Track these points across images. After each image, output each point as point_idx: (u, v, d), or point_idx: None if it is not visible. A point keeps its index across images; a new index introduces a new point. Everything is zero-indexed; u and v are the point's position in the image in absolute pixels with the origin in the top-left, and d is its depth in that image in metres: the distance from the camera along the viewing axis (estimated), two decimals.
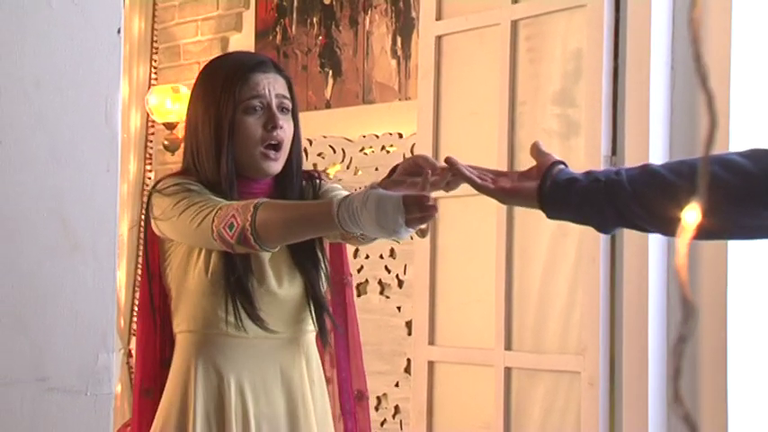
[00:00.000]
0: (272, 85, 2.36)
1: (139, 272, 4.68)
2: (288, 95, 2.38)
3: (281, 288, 2.37)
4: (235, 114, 2.33)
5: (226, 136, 2.32)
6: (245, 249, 2.18)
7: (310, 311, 2.41)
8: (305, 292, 2.40)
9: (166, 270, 2.40)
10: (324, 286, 2.44)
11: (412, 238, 2.58)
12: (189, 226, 2.23)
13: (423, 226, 2.05)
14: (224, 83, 2.34)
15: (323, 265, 2.44)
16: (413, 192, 2.04)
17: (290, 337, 2.40)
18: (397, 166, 2.19)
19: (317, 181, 2.48)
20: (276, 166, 2.37)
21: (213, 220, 2.18)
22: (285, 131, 2.36)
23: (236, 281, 2.32)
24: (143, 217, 2.34)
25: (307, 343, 2.44)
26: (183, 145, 2.55)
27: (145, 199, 4.05)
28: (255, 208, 2.14)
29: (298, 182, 2.43)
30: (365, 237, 2.24)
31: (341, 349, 2.55)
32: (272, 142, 2.34)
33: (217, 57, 2.55)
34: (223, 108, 2.33)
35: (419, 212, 1.96)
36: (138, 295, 4.04)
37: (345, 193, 2.27)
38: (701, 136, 2.94)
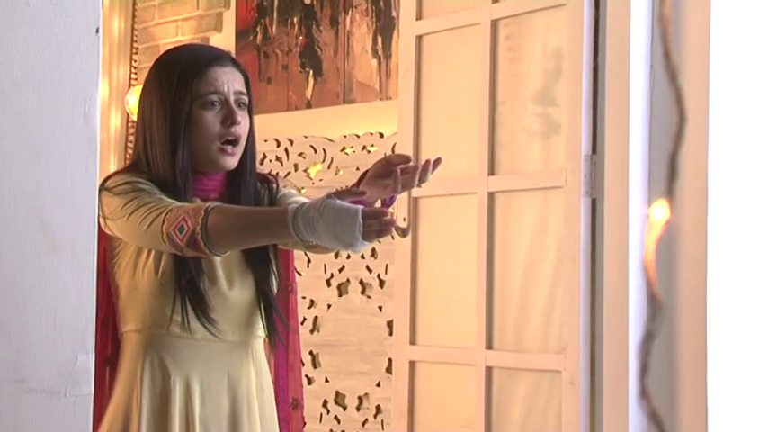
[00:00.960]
0: (230, 81, 2.32)
1: None
2: (245, 91, 2.35)
3: (232, 291, 2.34)
4: (192, 109, 2.29)
5: (182, 130, 2.28)
6: (194, 253, 2.15)
7: (260, 313, 2.37)
8: (255, 296, 2.37)
9: (114, 268, 2.35)
10: (275, 289, 2.40)
11: (393, 238, 2.58)
12: (138, 227, 2.19)
13: (404, 225, 2.05)
14: (180, 76, 2.31)
15: (274, 269, 2.41)
16: (384, 194, 2.04)
17: (239, 341, 2.36)
18: (367, 171, 2.19)
19: (274, 186, 2.44)
20: (233, 161, 2.33)
21: (163, 223, 2.14)
22: (242, 127, 2.33)
23: (187, 282, 2.28)
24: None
25: (256, 349, 2.40)
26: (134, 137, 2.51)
27: None
28: (207, 212, 2.10)
29: (252, 179, 2.40)
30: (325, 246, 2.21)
31: (280, 356, 2.52)
32: (230, 138, 2.31)
33: (172, 48, 2.51)
34: (179, 102, 2.29)
35: (377, 226, 1.94)
36: None
37: (303, 200, 2.23)
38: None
